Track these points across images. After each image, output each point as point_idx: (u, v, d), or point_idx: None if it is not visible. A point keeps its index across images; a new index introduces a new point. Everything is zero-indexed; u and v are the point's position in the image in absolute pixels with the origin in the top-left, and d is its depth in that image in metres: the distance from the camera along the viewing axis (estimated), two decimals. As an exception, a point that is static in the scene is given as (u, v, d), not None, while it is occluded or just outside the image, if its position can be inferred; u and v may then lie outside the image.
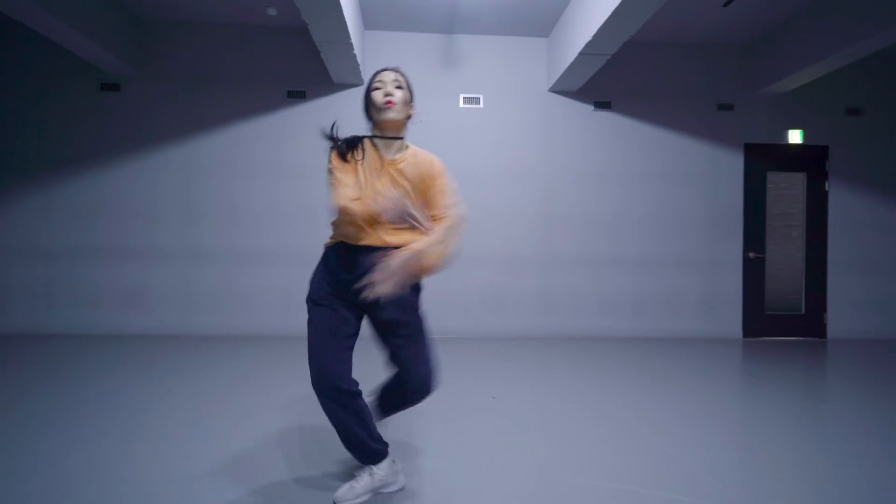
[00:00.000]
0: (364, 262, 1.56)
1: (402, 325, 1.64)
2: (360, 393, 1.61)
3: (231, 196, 4.66)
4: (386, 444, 1.70)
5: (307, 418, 2.44)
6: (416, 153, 1.69)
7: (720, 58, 4.94)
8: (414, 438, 2.21)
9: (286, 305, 4.66)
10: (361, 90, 4.71)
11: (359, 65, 4.30)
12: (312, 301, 1.65)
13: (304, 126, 4.69)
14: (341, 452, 1.83)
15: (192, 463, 1.94)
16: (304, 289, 4.86)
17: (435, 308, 4.72)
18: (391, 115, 1.62)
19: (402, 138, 1.69)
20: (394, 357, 1.67)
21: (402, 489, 1.75)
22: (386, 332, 1.66)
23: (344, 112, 4.71)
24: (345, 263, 1.61)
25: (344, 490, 1.66)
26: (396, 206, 1.50)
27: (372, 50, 4.68)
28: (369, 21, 4.53)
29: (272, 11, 4.32)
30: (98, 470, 1.87)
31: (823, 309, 4.96)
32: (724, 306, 4.91)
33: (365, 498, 1.67)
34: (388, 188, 1.60)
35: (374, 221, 1.57)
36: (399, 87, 1.65)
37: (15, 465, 1.89)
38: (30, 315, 4.52)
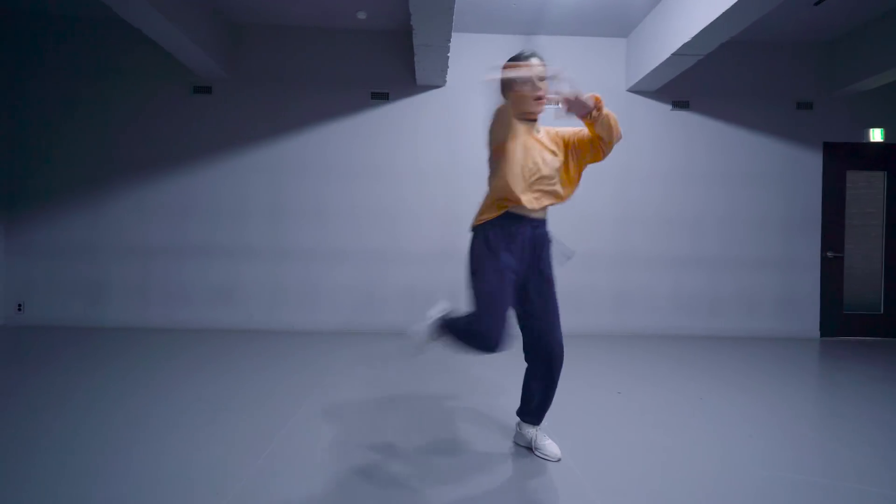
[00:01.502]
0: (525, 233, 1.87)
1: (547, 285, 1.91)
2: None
3: (316, 195, 4.78)
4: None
5: (389, 414, 2.54)
6: (548, 129, 1.99)
7: (799, 56, 4.93)
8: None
9: (369, 303, 4.77)
10: (443, 91, 4.83)
11: (447, 67, 4.38)
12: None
13: (387, 127, 4.79)
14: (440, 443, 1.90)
15: (277, 455, 2.05)
16: (385, 287, 4.92)
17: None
18: (540, 109, 1.88)
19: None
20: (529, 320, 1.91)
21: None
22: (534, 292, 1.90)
23: (426, 113, 4.81)
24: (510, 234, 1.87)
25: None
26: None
27: (455, 52, 4.75)
28: (455, 23, 4.60)
29: (362, 15, 4.42)
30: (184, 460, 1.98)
31: (903, 309, 4.94)
32: (802, 306, 4.92)
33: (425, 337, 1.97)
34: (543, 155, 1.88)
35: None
36: (543, 80, 1.84)
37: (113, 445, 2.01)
38: (126, 310, 4.70)
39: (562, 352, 1.92)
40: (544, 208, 1.92)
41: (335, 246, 4.80)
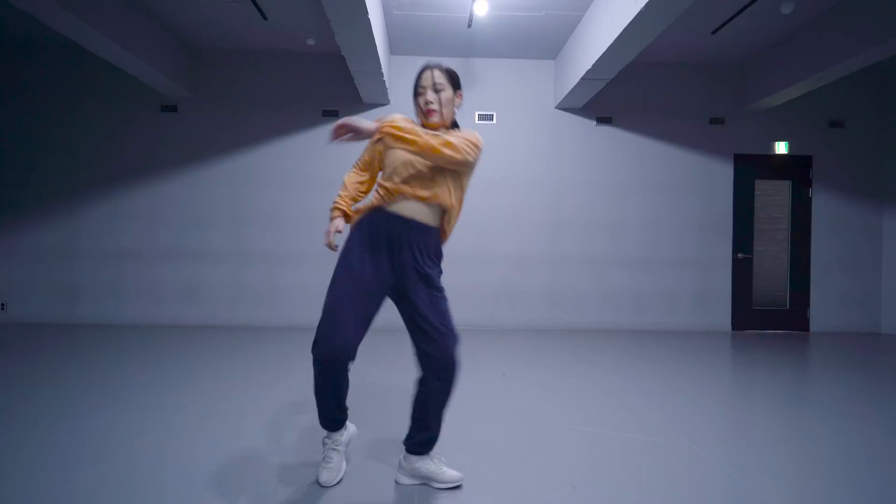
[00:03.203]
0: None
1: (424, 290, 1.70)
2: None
3: (273, 204, 5.27)
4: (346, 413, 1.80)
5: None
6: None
7: (712, 76, 5.43)
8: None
9: (320, 300, 5.24)
10: (387, 108, 5.32)
11: (387, 88, 4.87)
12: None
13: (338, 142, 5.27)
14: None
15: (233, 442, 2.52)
16: None
17: (451, 303, 5.29)
18: (433, 120, 1.71)
19: (448, 127, 1.77)
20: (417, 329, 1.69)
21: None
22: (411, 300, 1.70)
23: (372, 128, 5.30)
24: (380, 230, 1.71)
25: (325, 474, 1.75)
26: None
27: (397, 73, 5.25)
28: (395, 47, 5.10)
29: (311, 41, 4.92)
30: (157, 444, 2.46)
31: (807, 305, 5.43)
32: (715, 302, 5.41)
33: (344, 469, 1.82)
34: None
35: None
36: (439, 91, 1.69)
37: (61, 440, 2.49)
38: (98, 308, 5.19)
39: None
40: (420, 202, 1.68)
41: (291, 249, 5.29)
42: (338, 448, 1.81)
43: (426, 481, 1.77)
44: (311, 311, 5.34)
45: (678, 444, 2.22)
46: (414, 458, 1.78)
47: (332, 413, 1.75)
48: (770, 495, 1.77)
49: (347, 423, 1.87)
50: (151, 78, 4.68)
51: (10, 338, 4.45)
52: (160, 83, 4.82)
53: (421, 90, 1.72)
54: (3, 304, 5.13)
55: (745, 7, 4.11)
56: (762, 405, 2.84)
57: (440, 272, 1.79)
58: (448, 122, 1.77)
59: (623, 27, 3.54)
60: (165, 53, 4.66)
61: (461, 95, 1.78)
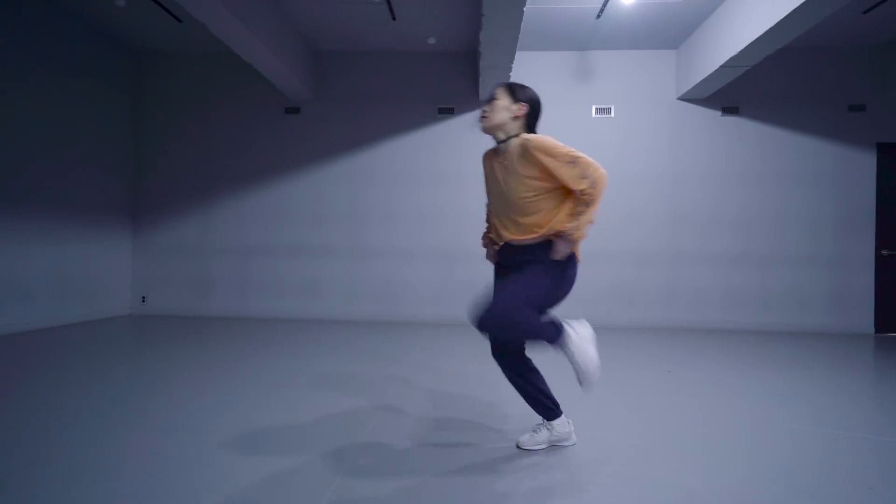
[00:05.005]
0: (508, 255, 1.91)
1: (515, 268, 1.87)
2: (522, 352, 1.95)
3: (389, 201, 5.37)
4: (558, 405, 1.99)
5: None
6: (514, 141, 1.81)
7: (851, 60, 5.06)
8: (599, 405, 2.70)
9: (438, 297, 5.30)
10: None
11: (508, 83, 4.85)
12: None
13: (452, 138, 5.32)
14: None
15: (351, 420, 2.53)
16: (452, 281, 5.31)
17: (567, 300, 5.19)
18: (481, 125, 1.87)
19: (506, 140, 1.84)
20: None
21: (573, 444, 2.02)
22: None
23: (487, 124, 5.30)
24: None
25: (526, 437, 1.98)
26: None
27: (516, 68, 5.22)
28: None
29: (432, 40, 4.97)
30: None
31: (963, 306, 4.96)
32: (854, 302, 5.03)
33: (544, 446, 1.97)
34: (505, 182, 1.83)
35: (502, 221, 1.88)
36: (492, 100, 1.85)
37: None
38: (228, 301, 5.46)
39: (489, 319, 1.73)
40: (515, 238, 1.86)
41: (406, 245, 5.36)
42: (552, 430, 1.97)
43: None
44: (428, 307, 5.38)
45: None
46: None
47: (540, 401, 2.00)
48: None
49: (568, 422, 2.04)
50: (284, 81, 4.87)
51: (151, 328, 4.73)
52: (290, 86, 5.01)
53: None
54: (143, 297, 5.50)
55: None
56: None
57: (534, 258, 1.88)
58: (496, 127, 1.84)
59: (790, 10, 3.34)
60: (298, 57, 4.85)
61: (524, 106, 1.83)
